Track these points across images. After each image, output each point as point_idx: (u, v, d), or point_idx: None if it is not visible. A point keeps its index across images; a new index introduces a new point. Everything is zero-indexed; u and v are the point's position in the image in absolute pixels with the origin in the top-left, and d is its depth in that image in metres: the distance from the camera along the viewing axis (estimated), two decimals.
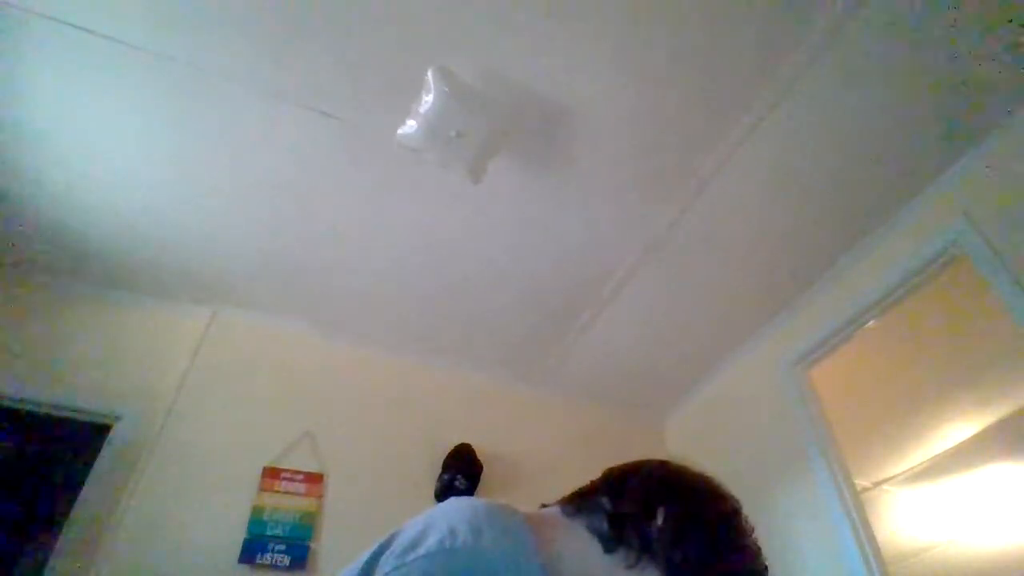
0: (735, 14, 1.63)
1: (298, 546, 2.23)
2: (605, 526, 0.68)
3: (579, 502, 0.73)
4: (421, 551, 0.55)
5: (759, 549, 0.69)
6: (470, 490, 2.52)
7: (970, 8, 1.60)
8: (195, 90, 1.86)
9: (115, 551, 2.03)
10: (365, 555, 0.61)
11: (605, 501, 0.70)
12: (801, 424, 2.36)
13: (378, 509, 2.40)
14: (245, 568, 2.13)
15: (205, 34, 1.73)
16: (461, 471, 2.54)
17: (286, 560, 2.18)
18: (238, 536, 2.18)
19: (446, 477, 2.53)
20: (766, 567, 0.68)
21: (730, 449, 2.70)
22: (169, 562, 2.06)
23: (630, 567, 0.65)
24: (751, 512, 0.71)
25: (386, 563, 0.56)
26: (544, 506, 0.76)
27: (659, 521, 0.66)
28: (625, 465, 0.76)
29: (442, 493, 2.50)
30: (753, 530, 0.70)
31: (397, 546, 0.57)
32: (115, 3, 1.66)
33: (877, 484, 3.54)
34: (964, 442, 3.28)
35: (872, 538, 2.03)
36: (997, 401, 3.05)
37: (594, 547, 0.67)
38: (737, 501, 0.72)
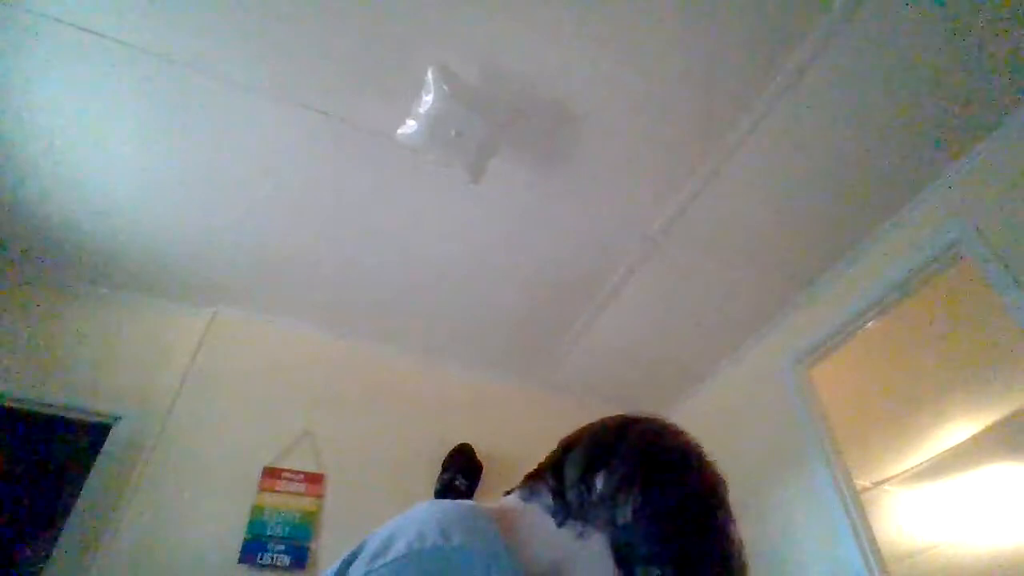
0: (736, 12, 1.63)
1: (298, 546, 2.23)
2: (550, 501, 0.68)
3: (532, 483, 0.72)
4: (390, 556, 0.54)
5: (709, 493, 0.67)
6: (470, 490, 2.52)
7: (969, 8, 1.60)
8: (196, 90, 1.86)
9: (115, 551, 2.03)
10: (336, 564, 0.60)
11: (549, 475, 0.70)
12: (801, 424, 2.36)
13: (378, 509, 2.38)
14: (245, 568, 2.14)
15: (204, 34, 1.73)
16: (461, 471, 2.54)
17: (286, 560, 2.19)
18: (238, 536, 2.18)
19: (446, 477, 2.53)
20: (715, 508, 0.66)
21: (730, 449, 2.69)
22: (169, 562, 2.06)
23: (579, 537, 0.65)
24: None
25: (356, 570, 0.55)
26: (508, 492, 0.76)
27: (599, 487, 0.65)
28: (572, 434, 0.75)
29: (442, 493, 2.50)
30: (710, 479, 0.68)
31: (366, 553, 0.57)
32: (113, 3, 1.66)
33: (877, 484, 3.54)
34: (964, 442, 3.28)
35: (872, 538, 2.03)
36: (997, 401, 3.05)
37: (550, 525, 0.67)
38: (686, 445, 0.70)
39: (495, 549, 0.59)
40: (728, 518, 0.66)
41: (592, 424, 0.75)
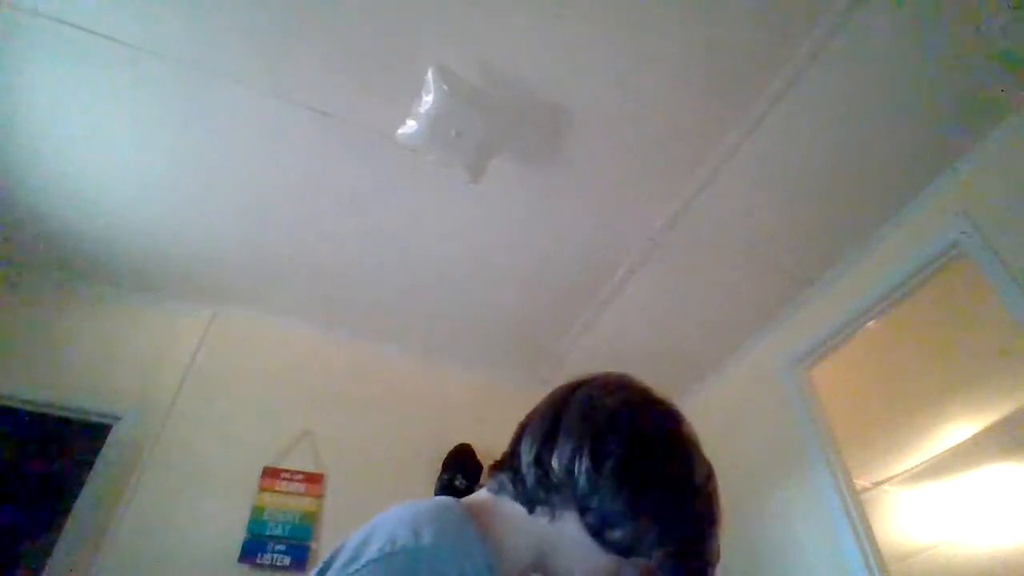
0: (737, 12, 1.63)
1: (298, 546, 2.23)
2: (511, 488, 0.67)
3: (495, 474, 0.72)
4: (363, 560, 0.54)
5: (658, 434, 0.66)
6: (470, 490, 2.50)
7: (970, 8, 1.60)
8: (196, 90, 1.86)
9: (115, 551, 2.03)
10: (315, 569, 0.60)
11: (508, 464, 0.70)
12: (801, 424, 2.36)
13: (378, 509, 2.37)
14: (245, 568, 2.14)
15: (204, 34, 1.73)
16: (461, 471, 2.54)
17: (286, 560, 2.18)
18: (238, 536, 2.18)
19: (446, 477, 2.53)
20: (672, 447, 0.65)
21: (730, 449, 2.70)
22: (169, 562, 2.06)
23: (552, 520, 0.64)
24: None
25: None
26: (480, 486, 0.76)
27: (554, 466, 0.65)
28: (526, 416, 0.74)
29: (442, 492, 2.50)
30: (657, 420, 0.67)
31: (341, 558, 0.57)
32: (112, 2, 1.66)
33: (877, 484, 3.54)
34: (964, 442, 3.28)
35: (872, 538, 2.03)
36: (997, 401, 3.04)
37: (523, 513, 0.66)
38: (627, 396, 0.69)
39: (468, 545, 0.59)
40: (689, 451, 0.65)
41: (541, 401, 0.75)
